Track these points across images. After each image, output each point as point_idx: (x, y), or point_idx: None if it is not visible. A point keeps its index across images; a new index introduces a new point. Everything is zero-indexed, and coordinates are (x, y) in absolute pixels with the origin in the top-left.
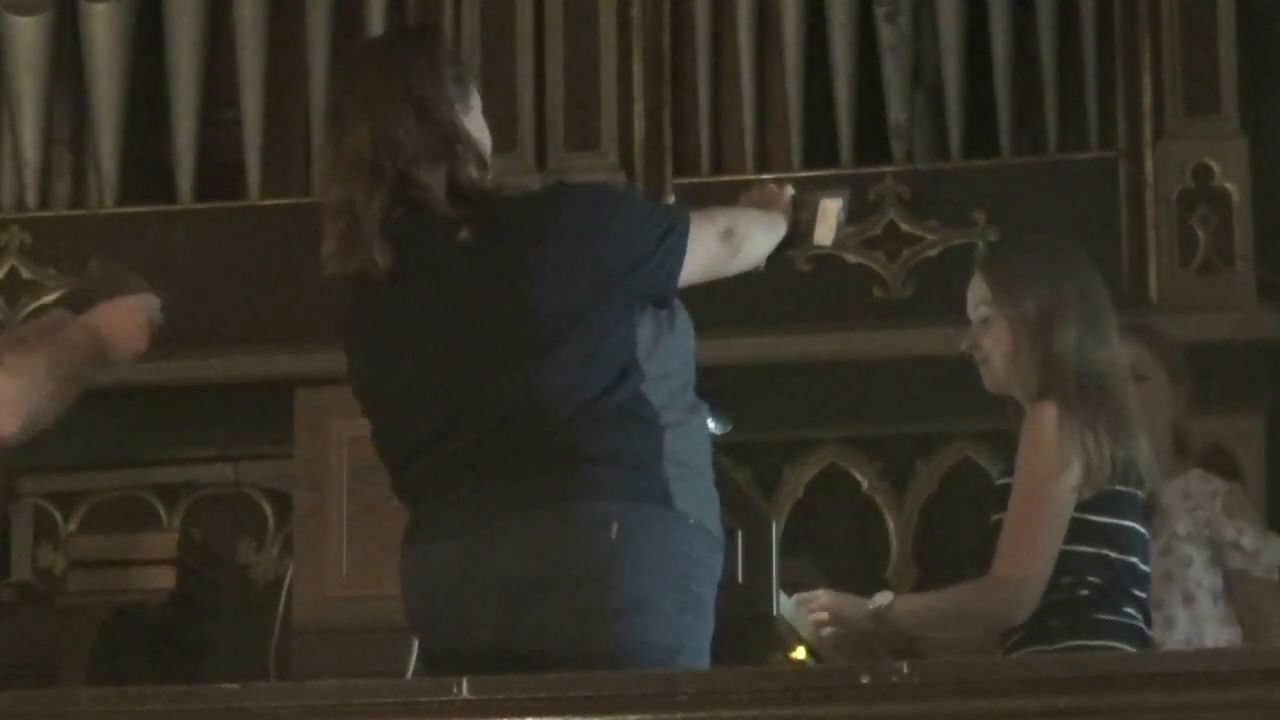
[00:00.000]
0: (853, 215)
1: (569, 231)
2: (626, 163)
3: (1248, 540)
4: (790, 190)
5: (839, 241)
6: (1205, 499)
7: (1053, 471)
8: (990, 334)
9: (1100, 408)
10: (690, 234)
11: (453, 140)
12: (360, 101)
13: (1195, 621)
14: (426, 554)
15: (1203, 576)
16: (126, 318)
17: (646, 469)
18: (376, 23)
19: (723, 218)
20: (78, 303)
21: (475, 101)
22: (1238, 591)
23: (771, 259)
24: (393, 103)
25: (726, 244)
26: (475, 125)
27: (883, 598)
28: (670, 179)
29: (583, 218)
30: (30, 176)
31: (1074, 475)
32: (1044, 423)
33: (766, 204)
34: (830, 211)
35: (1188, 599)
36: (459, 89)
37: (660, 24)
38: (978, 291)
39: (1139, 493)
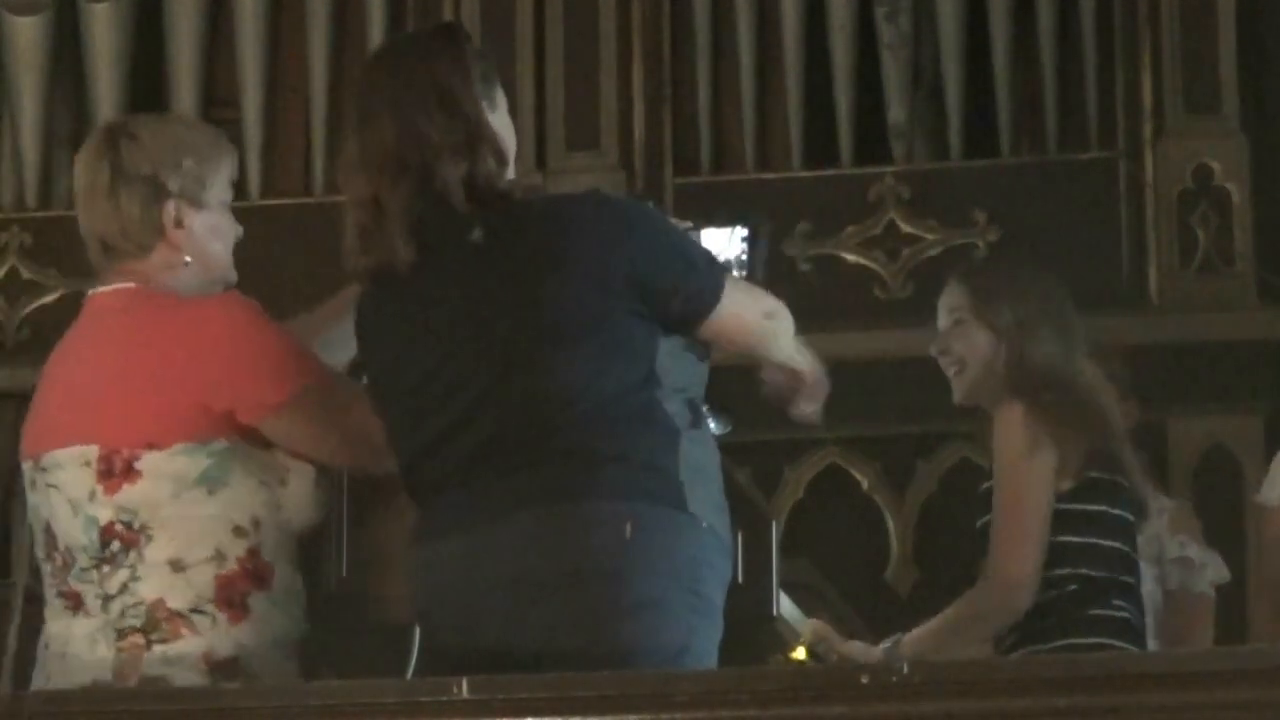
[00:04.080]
0: (853, 215)
1: (594, 235)
2: (626, 163)
3: (1193, 552)
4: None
5: (839, 242)
6: (1153, 515)
7: (1024, 455)
8: (965, 339)
9: (1066, 406)
10: (734, 291)
11: (476, 136)
12: (387, 95)
13: None
14: (437, 551)
15: (1152, 591)
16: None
17: (661, 471)
18: (377, 23)
19: (770, 301)
20: None
21: (501, 100)
22: (1170, 609)
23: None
24: (420, 96)
25: (769, 320)
26: (500, 123)
27: (889, 641)
28: (670, 179)
29: (611, 225)
30: (30, 176)
31: (1048, 456)
32: (1012, 416)
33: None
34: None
35: None
36: (485, 86)
37: (660, 24)
38: (954, 299)
39: (1121, 480)
